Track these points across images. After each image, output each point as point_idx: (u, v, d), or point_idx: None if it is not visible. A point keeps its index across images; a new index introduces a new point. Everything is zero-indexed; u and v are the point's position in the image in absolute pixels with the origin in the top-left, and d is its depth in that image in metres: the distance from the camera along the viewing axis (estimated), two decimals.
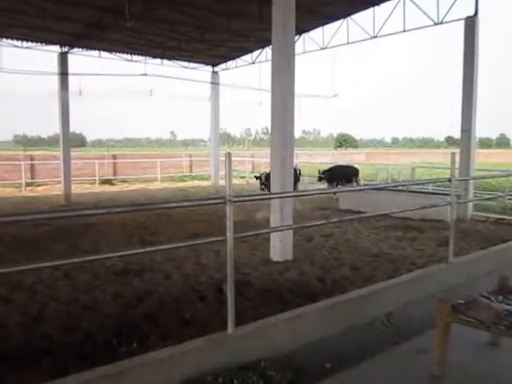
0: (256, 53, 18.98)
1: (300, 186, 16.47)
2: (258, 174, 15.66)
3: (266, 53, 18.27)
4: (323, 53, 16.33)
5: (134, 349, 4.52)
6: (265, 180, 13.64)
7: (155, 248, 5.27)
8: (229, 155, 3.75)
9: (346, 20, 14.48)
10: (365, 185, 16.75)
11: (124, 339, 4.72)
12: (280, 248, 7.77)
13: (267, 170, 13.82)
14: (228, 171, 3.75)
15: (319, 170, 17.33)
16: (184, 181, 25.87)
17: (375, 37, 14.08)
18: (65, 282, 6.65)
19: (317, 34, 15.86)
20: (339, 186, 16.39)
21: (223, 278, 6.69)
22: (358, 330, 5.03)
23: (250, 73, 21.38)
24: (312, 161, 24.64)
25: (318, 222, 7.78)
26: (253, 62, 19.44)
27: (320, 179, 17.13)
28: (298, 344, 4.49)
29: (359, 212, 11.46)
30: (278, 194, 7.36)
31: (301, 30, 15.01)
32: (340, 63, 22.22)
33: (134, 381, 3.37)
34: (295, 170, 12.86)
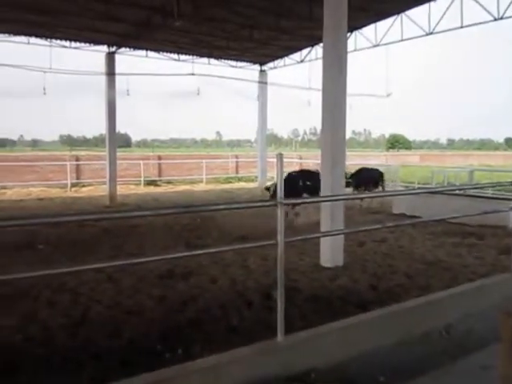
0: (305, 51, 18.65)
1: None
2: (268, 185, 13.36)
3: (316, 51, 17.93)
4: (376, 50, 15.84)
5: (178, 355, 4.39)
6: (273, 192, 11.80)
7: (202, 251, 5.08)
8: (280, 156, 3.49)
9: (399, 16, 13.96)
10: (419, 188, 16.05)
11: (169, 345, 4.58)
12: (330, 253, 7.48)
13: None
14: (279, 172, 3.50)
15: (345, 174, 16.27)
16: (230, 182, 25.82)
17: (431, 33, 13.47)
18: (108, 285, 6.58)
19: (369, 31, 15.39)
20: (366, 192, 15.02)
21: (272, 284, 6.51)
22: (414, 342, 4.67)
23: (299, 71, 21.11)
24: (364, 162, 24.01)
25: (371, 227, 7.40)
26: (302, 61, 19.11)
27: (347, 184, 15.50)
28: (351, 355, 4.19)
29: (413, 217, 10.99)
30: (329, 196, 7.04)
31: (352, 27, 14.58)
32: (393, 61, 21.36)
33: None
34: (319, 173, 12.45)
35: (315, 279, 6.86)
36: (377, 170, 16.57)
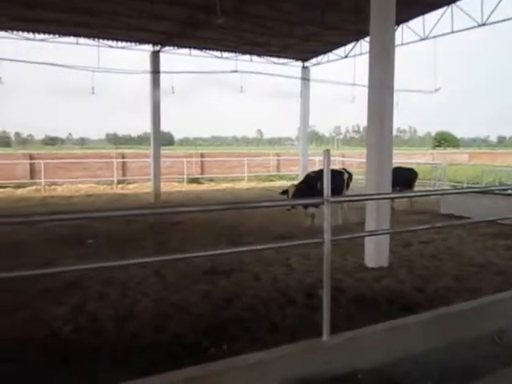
0: (349, 46, 18.33)
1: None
2: (286, 187, 11.89)
3: (361, 46, 17.59)
4: (423, 44, 15.36)
5: (223, 351, 4.42)
6: (292, 196, 10.77)
7: (247, 248, 5.12)
8: (327, 152, 3.46)
9: (449, 7, 13.46)
10: (468, 187, 15.53)
11: (214, 341, 4.62)
12: (375, 253, 7.35)
13: (295, 182, 12.20)
14: (326, 170, 3.45)
15: None
16: (271, 180, 25.80)
17: (483, 24, 12.93)
18: (155, 280, 6.70)
19: (417, 24, 14.92)
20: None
21: (314, 283, 6.49)
22: (464, 347, 4.53)
23: (343, 67, 20.73)
24: (409, 161, 23.49)
25: (418, 227, 7.21)
26: (346, 56, 18.81)
27: None
28: (397, 357, 4.11)
29: (462, 217, 10.64)
30: (375, 195, 6.90)
31: (399, 20, 14.21)
32: (442, 55, 20.55)
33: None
34: (342, 173, 11.92)
35: (359, 279, 6.76)
36: (411, 169, 15.67)
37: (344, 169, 12.62)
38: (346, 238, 6.86)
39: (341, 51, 18.99)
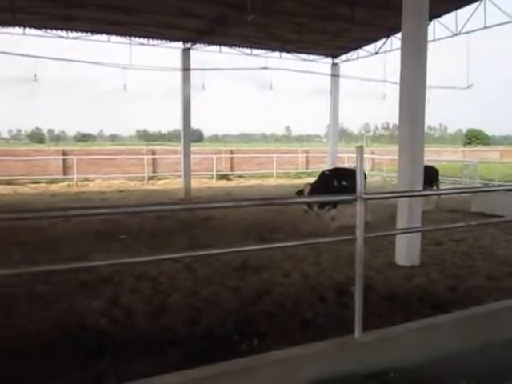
0: (379, 43, 18.13)
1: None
2: (302, 187, 11.13)
3: (391, 42, 17.37)
4: (456, 39, 15.04)
5: (254, 347, 4.47)
6: (309, 194, 10.14)
7: (277, 245, 5.11)
8: (361, 149, 3.45)
9: (482, 2, 13.16)
10: (499, 185, 15.17)
11: (245, 336, 4.68)
12: (406, 252, 7.28)
13: (311, 181, 11.31)
14: (359, 166, 3.45)
15: None
16: (300, 177, 25.71)
17: None
18: (186, 275, 6.80)
19: (449, 19, 14.63)
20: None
21: (344, 280, 6.48)
22: (499, 348, 4.45)
23: (373, 64, 20.46)
24: (439, 159, 23.10)
25: (451, 225, 7.10)
26: (376, 53, 18.61)
27: None
28: (430, 357, 4.07)
29: (494, 216, 10.42)
30: (409, 192, 6.82)
31: (431, 15, 13.95)
32: (474, 51, 20.05)
33: (256, 379, 3.25)
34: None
35: (390, 277, 6.72)
36: (432, 166, 14.77)
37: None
38: (379, 236, 6.80)
39: (371, 48, 18.79)
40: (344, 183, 10.45)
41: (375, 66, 20.41)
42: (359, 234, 3.50)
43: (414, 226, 7.02)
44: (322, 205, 10.11)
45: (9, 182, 19.98)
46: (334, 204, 10.13)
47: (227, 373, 3.20)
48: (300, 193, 10.45)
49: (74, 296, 5.86)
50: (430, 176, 13.59)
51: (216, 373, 3.18)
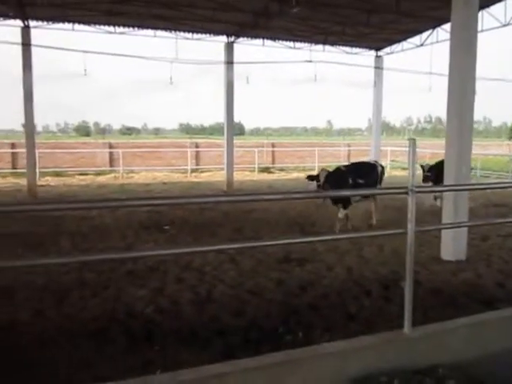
0: (425, 34, 17.69)
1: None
2: (314, 173, 10.66)
3: (437, 33, 16.92)
4: (504, 30, 14.50)
5: (299, 339, 4.48)
6: (324, 182, 9.24)
7: (321, 238, 5.14)
8: (413, 142, 3.39)
9: None
10: None
11: (289, 328, 4.70)
12: (452, 246, 7.13)
13: (328, 168, 10.11)
14: (411, 159, 3.39)
15: (422, 167, 12.53)
16: None
17: None
18: (230, 266, 6.86)
19: (498, 9, 14.08)
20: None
21: (389, 274, 6.42)
22: None
23: (417, 56, 19.99)
24: (484, 152, 22.39)
25: (502, 220, 6.89)
26: (421, 44, 18.17)
27: (426, 178, 12.02)
28: (480, 354, 3.98)
29: None
30: (458, 186, 6.65)
31: (480, 6, 13.50)
32: None
33: (304, 371, 3.25)
34: (375, 166, 10.46)
35: (436, 272, 6.61)
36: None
37: (376, 161, 11.24)
38: (431, 230, 6.71)
39: (416, 40, 18.36)
40: (360, 181, 9.59)
41: (420, 58, 19.97)
42: (410, 227, 3.45)
43: (460, 220, 6.84)
44: (335, 202, 9.47)
45: (57, 174, 20.60)
46: (345, 203, 9.37)
47: (276, 364, 3.21)
48: (312, 178, 9.62)
49: (122, 284, 6.02)
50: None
51: (265, 364, 3.20)
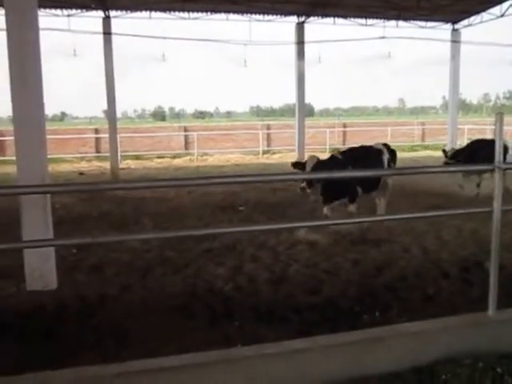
0: (506, 4, 16.56)
1: None
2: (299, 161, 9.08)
3: None
4: None
5: (376, 318, 4.46)
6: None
7: (398, 216, 5.02)
8: (500, 116, 3.26)
9: None
10: None
11: (366, 307, 4.68)
12: None
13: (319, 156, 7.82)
14: (499, 135, 3.26)
15: (445, 151, 11.03)
16: (415, 150, 24.65)
17: None
18: (304, 246, 6.87)
19: None
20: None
21: (468, 256, 6.20)
22: None
23: (496, 28, 18.74)
24: None
25: None
26: (502, 15, 17.04)
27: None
28: None
29: None
30: None
31: None
32: None
33: (386, 349, 3.28)
34: (381, 152, 8.45)
35: None
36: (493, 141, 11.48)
37: (385, 144, 8.92)
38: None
39: (496, 10, 17.23)
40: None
41: (500, 30, 18.74)
42: (496, 206, 3.34)
43: None
44: (325, 200, 7.70)
45: (137, 157, 21.61)
46: (351, 196, 7.73)
47: (355, 342, 3.25)
48: (297, 165, 7.78)
49: (201, 262, 6.21)
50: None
51: (345, 341, 3.25)
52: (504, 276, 5.37)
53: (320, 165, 7.37)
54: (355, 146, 9.36)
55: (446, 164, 9.96)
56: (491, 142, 10.29)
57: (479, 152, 9.98)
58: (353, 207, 7.74)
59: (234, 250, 6.73)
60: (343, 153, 8.33)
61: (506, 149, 10.53)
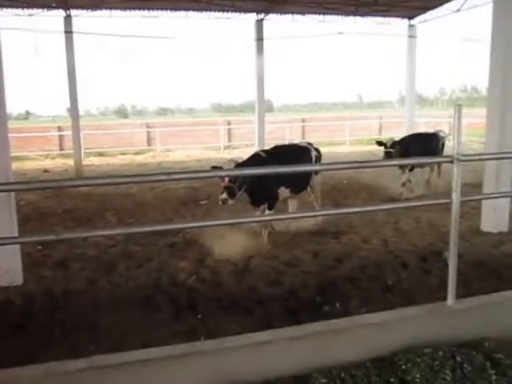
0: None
1: None
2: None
3: None
4: None
5: (337, 309, 4.51)
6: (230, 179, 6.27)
7: (357, 209, 5.08)
8: (459, 108, 3.31)
9: None
10: None
11: (326, 298, 4.73)
12: (493, 218, 6.97)
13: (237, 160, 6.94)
14: (457, 126, 3.33)
15: (384, 143, 10.06)
16: (373, 144, 25.09)
17: None
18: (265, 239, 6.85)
19: None
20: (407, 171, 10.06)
21: (426, 246, 6.34)
22: None
23: (452, 24, 19.25)
24: None
25: None
26: (458, 10, 17.45)
27: (388, 155, 9.61)
28: None
29: None
30: (501, 153, 6.40)
31: None
32: None
33: (347, 341, 3.28)
34: (309, 150, 7.84)
35: (476, 245, 6.43)
36: (434, 134, 11.02)
37: (310, 143, 8.31)
38: (475, 199, 6.55)
39: (453, 5, 17.61)
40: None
41: (454, 26, 19.24)
42: (455, 197, 3.40)
43: (502, 190, 6.65)
44: (252, 203, 6.99)
45: (100, 154, 21.42)
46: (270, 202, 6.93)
47: (320, 332, 3.25)
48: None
49: (164, 256, 6.19)
50: (432, 147, 10.46)
51: (308, 332, 3.25)
52: (463, 264, 5.58)
53: (243, 163, 6.69)
54: (282, 144, 9.09)
55: (387, 153, 9.63)
56: (427, 136, 10.22)
57: (414, 146, 9.92)
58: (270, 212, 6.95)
59: (195, 244, 6.67)
60: (266, 151, 7.41)
61: (438, 139, 10.69)
